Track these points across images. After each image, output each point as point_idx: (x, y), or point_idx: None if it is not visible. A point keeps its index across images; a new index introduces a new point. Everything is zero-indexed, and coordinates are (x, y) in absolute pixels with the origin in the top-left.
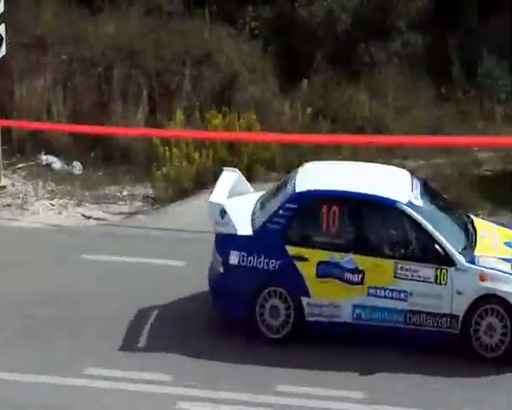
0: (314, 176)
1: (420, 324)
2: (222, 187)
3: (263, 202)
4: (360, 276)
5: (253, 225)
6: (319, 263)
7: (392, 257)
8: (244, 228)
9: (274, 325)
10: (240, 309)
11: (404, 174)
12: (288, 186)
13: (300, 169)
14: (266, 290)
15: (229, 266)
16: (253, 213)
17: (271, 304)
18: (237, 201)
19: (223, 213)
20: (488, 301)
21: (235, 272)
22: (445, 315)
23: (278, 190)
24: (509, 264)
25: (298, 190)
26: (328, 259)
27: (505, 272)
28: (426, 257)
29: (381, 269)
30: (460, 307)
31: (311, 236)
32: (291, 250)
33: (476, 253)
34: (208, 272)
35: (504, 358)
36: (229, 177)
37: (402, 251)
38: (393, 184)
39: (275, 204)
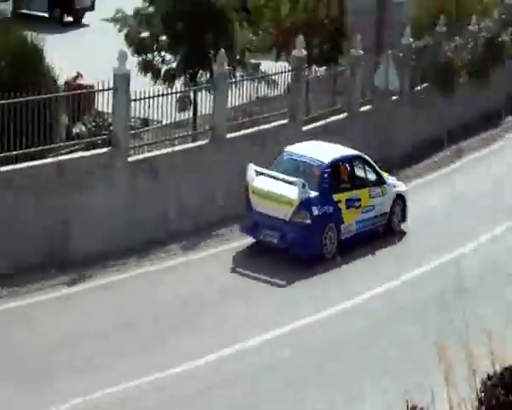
0: (319, 151)
1: (376, 223)
2: (262, 172)
3: (287, 175)
4: (360, 202)
5: (308, 189)
6: (346, 200)
7: (367, 186)
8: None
9: (329, 249)
10: (318, 246)
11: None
12: (309, 162)
13: (297, 151)
14: (328, 227)
15: (314, 217)
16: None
17: (328, 235)
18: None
19: (304, 185)
20: (396, 198)
21: (317, 220)
22: (383, 214)
23: (291, 168)
24: (394, 177)
25: (326, 161)
26: (348, 197)
27: (397, 182)
28: (377, 182)
29: (365, 195)
30: (388, 207)
31: (339, 185)
32: (335, 197)
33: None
34: (276, 241)
35: (400, 228)
36: (253, 167)
37: (369, 182)
38: (343, 147)
39: (311, 173)
